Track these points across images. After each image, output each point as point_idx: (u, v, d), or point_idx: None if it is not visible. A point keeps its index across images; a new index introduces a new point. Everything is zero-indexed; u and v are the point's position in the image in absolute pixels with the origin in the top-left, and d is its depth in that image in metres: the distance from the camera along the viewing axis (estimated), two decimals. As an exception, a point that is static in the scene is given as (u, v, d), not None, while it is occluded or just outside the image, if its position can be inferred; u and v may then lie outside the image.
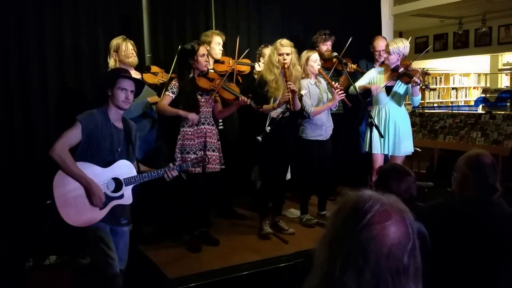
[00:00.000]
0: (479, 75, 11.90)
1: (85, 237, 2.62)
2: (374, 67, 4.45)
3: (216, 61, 4.12)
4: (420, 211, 2.02)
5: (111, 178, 2.64)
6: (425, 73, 4.52)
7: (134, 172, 2.71)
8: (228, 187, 4.31)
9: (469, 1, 6.70)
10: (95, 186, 2.56)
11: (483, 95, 9.53)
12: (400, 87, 4.09)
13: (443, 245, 1.96)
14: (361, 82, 4.16)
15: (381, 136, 3.77)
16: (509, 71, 10.83)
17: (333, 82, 3.97)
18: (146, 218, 3.77)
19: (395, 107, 4.10)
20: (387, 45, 4.10)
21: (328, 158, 4.11)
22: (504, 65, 10.72)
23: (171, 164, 2.84)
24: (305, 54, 4.00)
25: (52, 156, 2.48)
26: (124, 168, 2.68)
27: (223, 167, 3.64)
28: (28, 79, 3.74)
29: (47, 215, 2.62)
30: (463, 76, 11.76)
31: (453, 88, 11.64)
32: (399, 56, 4.05)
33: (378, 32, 5.72)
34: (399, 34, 10.14)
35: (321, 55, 4.26)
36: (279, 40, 3.72)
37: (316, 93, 4.01)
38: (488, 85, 11.32)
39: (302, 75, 3.95)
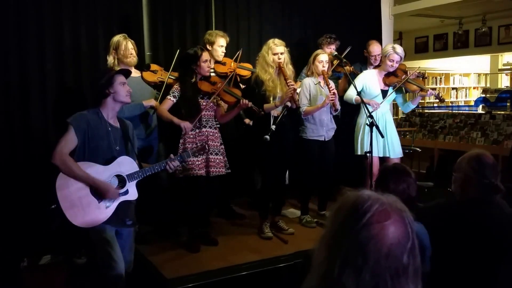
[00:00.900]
0: (479, 75, 11.88)
1: (87, 239, 2.60)
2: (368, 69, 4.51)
3: (217, 62, 4.11)
4: (420, 212, 2.02)
5: (114, 175, 2.63)
6: (422, 76, 4.60)
7: (136, 168, 2.69)
8: (227, 186, 4.30)
9: (469, 1, 6.70)
10: (103, 184, 2.55)
11: (483, 95, 9.52)
12: (394, 93, 4.19)
13: (444, 245, 1.96)
14: (355, 91, 3.96)
15: (381, 136, 3.78)
16: (509, 71, 10.81)
17: (330, 85, 3.92)
18: (144, 216, 3.75)
19: (386, 111, 4.24)
20: (392, 53, 4.10)
21: (329, 159, 4.11)
22: (504, 65, 10.71)
23: (171, 155, 2.85)
24: (315, 52, 4.02)
25: (55, 163, 2.49)
26: (126, 164, 2.67)
27: (229, 171, 3.61)
28: (27, 79, 3.73)
29: (52, 219, 2.59)
30: (463, 76, 11.75)
31: (453, 88, 11.63)
32: (401, 60, 4.17)
33: (378, 32, 5.73)
34: (399, 34, 10.14)
35: None
36: (271, 40, 3.73)
37: (315, 93, 4.01)
38: (488, 85, 11.31)
39: (308, 73, 3.97)
